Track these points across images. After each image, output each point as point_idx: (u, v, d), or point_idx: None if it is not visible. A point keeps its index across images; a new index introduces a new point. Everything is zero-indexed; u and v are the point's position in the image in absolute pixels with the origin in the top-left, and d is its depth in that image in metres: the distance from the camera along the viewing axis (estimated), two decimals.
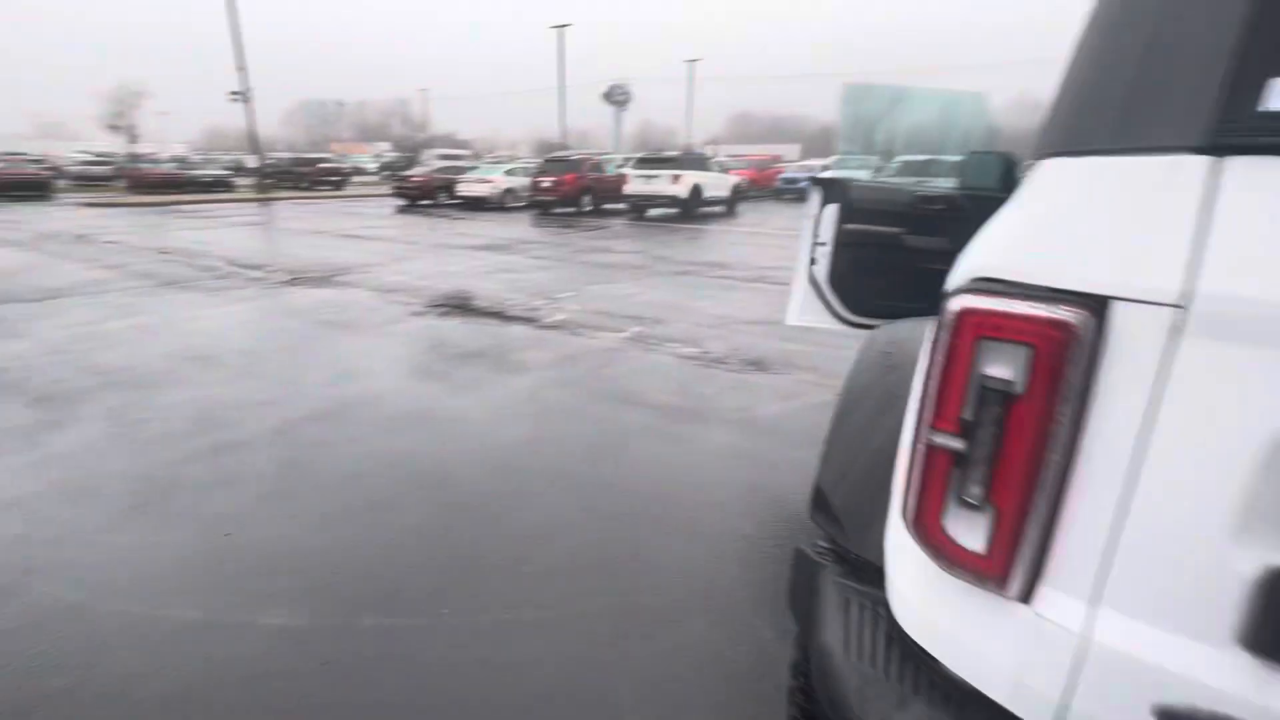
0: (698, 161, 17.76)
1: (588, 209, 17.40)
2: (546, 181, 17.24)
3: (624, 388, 4.22)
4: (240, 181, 26.06)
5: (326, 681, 1.82)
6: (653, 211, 17.16)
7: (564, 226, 14.48)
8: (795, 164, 26.35)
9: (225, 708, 1.73)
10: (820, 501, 1.18)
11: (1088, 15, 0.88)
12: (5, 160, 21.36)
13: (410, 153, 40.90)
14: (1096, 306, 0.65)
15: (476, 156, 34.16)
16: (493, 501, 2.80)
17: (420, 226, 14.56)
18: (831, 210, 3.01)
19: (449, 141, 50.88)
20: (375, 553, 2.42)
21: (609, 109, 38.22)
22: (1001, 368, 0.70)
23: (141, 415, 3.68)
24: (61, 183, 25.07)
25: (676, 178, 16.10)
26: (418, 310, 6.39)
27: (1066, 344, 0.66)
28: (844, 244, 3.03)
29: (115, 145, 42.05)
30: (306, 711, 1.73)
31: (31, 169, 21.82)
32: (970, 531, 0.75)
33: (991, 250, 0.76)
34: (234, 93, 23.49)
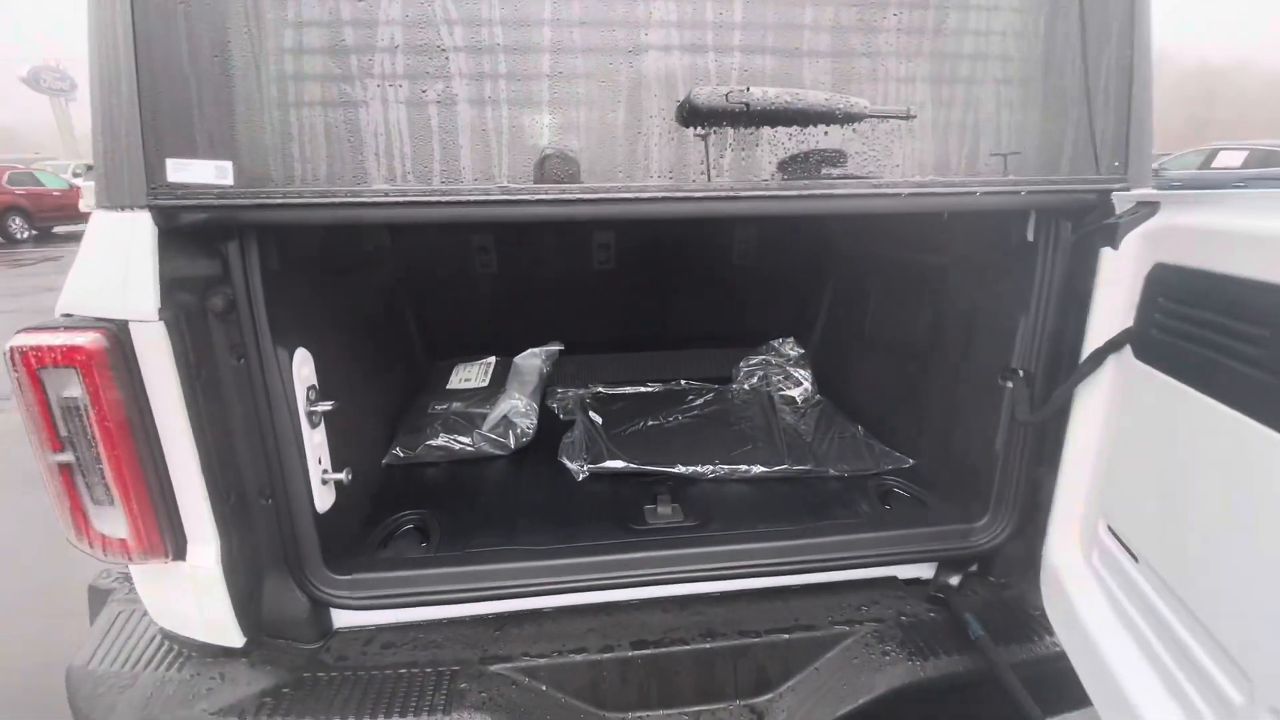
0: None
1: (24, 236, 12.35)
2: None
3: None
4: None
5: None
6: None
7: None
8: None
9: None
10: None
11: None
12: None
13: None
14: (121, 328, 0.94)
15: None
16: None
17: None
18: None
19: None
20: None
21: (43, 99, 27.85)
22: (69, 389, 0.92)
23: None
24: None
25: None
26: None
27: (96, 361, 0.91)
28: None
29: None
30: None
31: None
32: (113, 523, 0.99)
33: (67, 289, 0.98)
34: None
